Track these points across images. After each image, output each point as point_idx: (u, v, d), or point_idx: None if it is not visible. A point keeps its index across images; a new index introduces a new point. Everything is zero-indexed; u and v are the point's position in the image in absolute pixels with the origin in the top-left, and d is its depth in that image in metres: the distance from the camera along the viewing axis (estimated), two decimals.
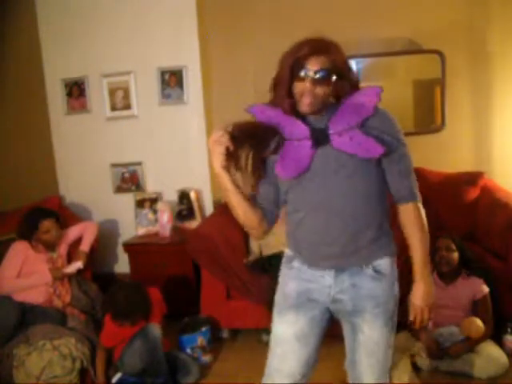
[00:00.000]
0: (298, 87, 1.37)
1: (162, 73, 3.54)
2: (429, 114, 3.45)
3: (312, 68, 1.35)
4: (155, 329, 2.35)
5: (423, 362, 2.41)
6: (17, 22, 3.56)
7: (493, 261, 2.65)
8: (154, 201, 3.59)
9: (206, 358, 2.67)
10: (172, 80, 3.53)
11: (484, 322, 2.41)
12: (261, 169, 1.44)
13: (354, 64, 3.38)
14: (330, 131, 1.39)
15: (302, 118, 1.42)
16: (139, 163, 3.67)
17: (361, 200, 1.41)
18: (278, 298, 1.55)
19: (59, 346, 2.32)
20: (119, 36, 3.54)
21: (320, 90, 1.36)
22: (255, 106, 1.47)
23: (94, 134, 3.70)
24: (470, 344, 2.36)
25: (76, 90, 3.68)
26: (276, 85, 1.45)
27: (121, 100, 3.62)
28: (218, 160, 1.36)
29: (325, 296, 1.48)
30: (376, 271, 1.45)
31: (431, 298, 1.50)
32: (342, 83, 1.39)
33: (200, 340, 2.67)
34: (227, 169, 1.38)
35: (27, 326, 2.47)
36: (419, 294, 1.48)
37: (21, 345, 2.34)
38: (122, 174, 3.71)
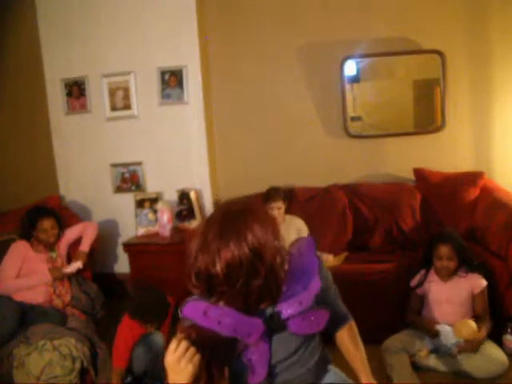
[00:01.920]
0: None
1: (162, 73, 3.54)
2: (429, 114, 3.44)
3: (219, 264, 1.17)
4: (158, 337, 2.34)
5: (423, 362, 2.42)
6: (17, 22, 3.56)
7: (492, 260, 2.65)
8: (154, 201, 3.58)
9: None
10: (172, 80, 3.53)
11: (482, 315, 2.43)
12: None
13: (354, 64, 3.39)
14: (283, 316, 1.24)
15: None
16: (139, 163, 3.67)
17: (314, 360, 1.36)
18: None
19: (59, 345, 2.32)
20: (119, 36, 3.54)
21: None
22: (191, 302, 1.23)
23: (94, 133, 3.70)
24: (474, 344, 2.35)
25: (76, 90, 3.68)
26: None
27: (121, 100, 3.62)
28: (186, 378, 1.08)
29: None
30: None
31: None
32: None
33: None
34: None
35: (27, 326, 2.46)
36: None
37: (21, 345, 2.34)
38: (122, 174, 3.70)
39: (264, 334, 1.23)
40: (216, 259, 1.14)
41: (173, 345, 1.09)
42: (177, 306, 2.40)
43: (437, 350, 2.42)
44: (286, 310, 1.25)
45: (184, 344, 1.08)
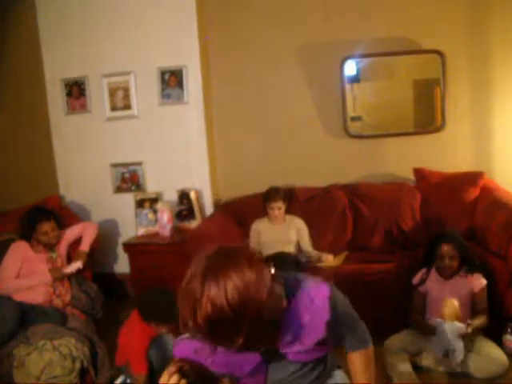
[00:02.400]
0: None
1: (162, 73, 3.54)
2: (429, 114, 3.44)
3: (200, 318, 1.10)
4: (169, 340, 2.34)
5: (423, 362, 2.42)
6: (17, 22, 3.56)
7: (492, 260, 2.65)
8: (154, 201, 3.59)
9: None
10: (172, 80, 3.53)
11: (480, 312, 2.43)
12: None
13: (354, 64, 3.39)
14: (283, 351, 1.23)
15: None
16: (139, 163, 3.67)
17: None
18: None
19: (59, 345, 2.32)
20: (119, 36, 3.54)
21: None
22: (181, 342, 1.22)
23: (94, 133, 3.70)
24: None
25: (76, 90, 3.68)
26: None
27: (121, 100, 3.62)
28: None
29: None
30: None
31: None
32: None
33: None
34: None
35: (27, 326, 2.46)
36: None
37: (21, 345, 2.33)
38: (122, 174, 3.70)
39: (260, 363, 1.22)
40: (197, 311, 1.04)
41: (165, 377, 1.07)
42: None
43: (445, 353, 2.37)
44: (286, 348, 1.23)
45: (175, 377, 1.07)
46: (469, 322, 2.33)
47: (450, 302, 2.37)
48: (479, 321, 2.39)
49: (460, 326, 2.30)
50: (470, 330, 2.30)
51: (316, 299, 1.23)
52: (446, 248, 2.46)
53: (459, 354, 2.29)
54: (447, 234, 2.53)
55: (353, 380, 1.43)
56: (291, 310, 1.20)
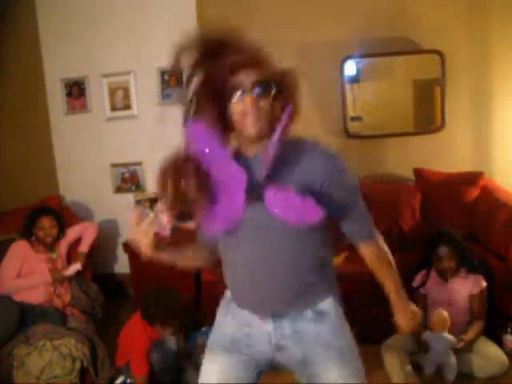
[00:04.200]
0: (237, 108, 1.17)
1: (162, 73, 3.54)
2: (429, 114, 3.45)
3: (247, 81, 1.17)
4: (172, 344, 2.35)
5: (424, 362, 2.42)
6: (17, 22, 3.56)
7: (493, 260, 2.65)
8: (154, 201, 3.58)
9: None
10: (172, 80, 3.53)
11: (477, 316, 2.42)
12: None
13: (354, 64, 3.39)
14: (266, 184, 1.18)
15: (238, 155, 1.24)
16: (139, 163, 3.67)
17: (292, 249, 1.27)
18: (214, 336, 1.45)
19: (59, 346, 2.32)
20: (119, 36, 3.54)
21: (264, 104, 1.18)
22: (196, 125, 1.20)
23: (94, 133, 3.70)
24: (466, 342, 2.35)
25: (76, 90, 3.68)
26: (203, 103, 1.19)
27: (121, 100, 3.63)
28: (148, 247, 1.38)
29: (265, 343, 1.35)
30: (317, 313, 1.34)
31: (417, 317, 1.44)
32: (280, 100, 1.21)
33: (200, 340, 2.66)
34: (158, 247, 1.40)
35: (27, 326, 2.46)
36: (403, 315, 1.43)
37: (21, 345, 2.34)
38: (122, 174, 3.70)
39: (243, 197, 1.18)
40: None
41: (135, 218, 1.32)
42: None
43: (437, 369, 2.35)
44: (273, 181, 1.18)
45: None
46: (463, 337, 2.31)
47: (437, 312, 2.35)
48: (473, 333, 2.37)
49: (450, 338, 2.28)
50: (461, 344, 2.30)
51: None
52: (443, 249, 2.45)
53: (451, 370, 2.27)
54: (444, 235, 2.51)
55: (375, 273, 1.39)
56: (292, 149, 1.24)
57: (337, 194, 1.23)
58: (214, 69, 1.16)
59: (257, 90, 1.17)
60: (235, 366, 1.37)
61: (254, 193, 1.19)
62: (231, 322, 1.41)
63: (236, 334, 1.39)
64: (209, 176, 1.21)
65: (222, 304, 1.47)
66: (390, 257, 1.41)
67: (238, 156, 1.25)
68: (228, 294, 1.46)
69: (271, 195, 1.17)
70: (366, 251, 1.39)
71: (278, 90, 1.21)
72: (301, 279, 1.30)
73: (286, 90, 1.24)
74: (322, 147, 1.27)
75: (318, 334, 1.33)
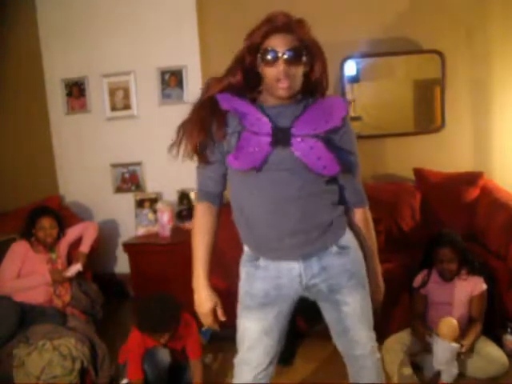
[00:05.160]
0: (270, 72, 1.34)
1: (162, 73, 3.54)
2: (429, 114, 3.45)
3: (281, 49, 1.32)
4: (163, 354, 2.29)
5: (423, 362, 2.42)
6: (17, 22, 3.56)
7: (493, 261, 2.65)
8: (153, 201, 3.59)
9: (206, 358, 2.67)
10: (172, 80, 3.53)
11: (475, 317, 2.41)
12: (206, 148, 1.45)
13: (354, 64, 3.39)
14: (293, 133, 1.34)
15: (267, 109, 1.39)
16: (139, 163, 3.67)
17: (313, 191, 1.41)
18: (244, 298, 1.54)
19: (59, 346, 2.32)
20: (119, 36, 3.54)
21: (295, 71, 1.33)
22: (223, 94, 1.40)
23: (94, 134, 3.70)
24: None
25: (76, 90, 3.68)
26: (235, 69, 1.42)
27: (121, 100, 3.63)
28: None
29: (296, 286, 1.48)
30: (340, 247, 1.48)
31: (380, 293, 1.68)
32: (312, 66, 1.39)
33: (200, 340, 2.66)
34: None
35: (27, 326, 2.46)
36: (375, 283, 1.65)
37: (21, 345, 2.34)
38: (122, 174, 3.71)
39: (268, 136, 1.34)
40: None
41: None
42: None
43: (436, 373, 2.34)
44: (298, 128, 1.35)
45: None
46: (462, 342, 2.29)
47: (448, 320, 2.30)
48: (472, 336, 2.34)
49: (455, 346, 2.25)
50: (464, 350, 2.28)
51: (337, 101, 1.44)
52: (443, 251, 2.44)
53: (449, 378, 2.25)
54: (445, 237, 2.50)
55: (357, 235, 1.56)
56: (315, 101, 1.41)
57: (348, 155, 1.44)
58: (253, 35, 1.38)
59: (289, 57, 1.31)
60: (272, 316, 1.51)
61: (280, 138, 1.34)
62: (261, 280, 1.49)
63: (267, 288, 1.49)
64: (226, 114, 1.39)
65: (247, 262, 1.54)
66: (372, 224, 1.61)
67: (260, 105, 1.40)
68: (247, 254, 1.54)
69: (298, 142, 1.34)
70: (357, 214, 1.57)
71: (309, 59, 1.37)
72: (322, 216, 1.43)
73: (316, 60, 1.39)
74: (347, 108, 1.43)
75: (343, 266, 1.48)
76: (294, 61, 1.32)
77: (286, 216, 1.40)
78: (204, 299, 1.52)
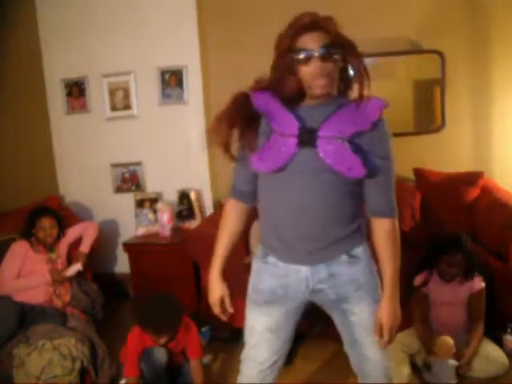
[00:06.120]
0: (306, 71, 1.31)
1: (162, 73, 3.54)
2: (429, 114, 3.45)
3: (314, 46, 1.30)
4: (160, 354, 2.28)
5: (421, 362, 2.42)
6: (17, 22, 3.56)
7: (493, 261, 2.65)
8: (154, 201, 3.58)
9: (206, 358, 2.67)
10: (172, 80, 3.53)
11: (476, 317, 2.41)
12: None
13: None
14: (319, 134, 1.32)
15: (300, 109, 1.37)
16: (139, 163, 3.67)
17: (335, 199, 1.38)
18: (252, 292, 1.56)
19: (59, 345, 2.32)
20: (119, 36, 3.54)
21: (331, 67, 1.32)
22: (258, 92, 1.40)
23: (94, 133, 3.69)
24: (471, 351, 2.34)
25: (76, 90, 3.68)
26: (276, 70, 1.39)
27: (121, 100, 3.62)
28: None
29: (303, 289, 1.48)
30: (351, 256, 1.45)
31: (399, 318, 1.44)
32: (345, 63, 1.36)
33: (200, 341, 2.66)
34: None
35: (27, 326, 2.46)
36: (388, 313, 1.42)
37: (21, 345, 2.34)
38: (122, 174, 3.70)
39: (294, 137, 1.33)
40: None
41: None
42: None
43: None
44: (325, 130, 1.33)
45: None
46: (461, 362, 2.29)
47: (443, 339, 2.32)
48: (476, 341, 2.34)
49: (454, 363, 2.27)
50: (464, 362, 2.29)
51: (371, 104, 1.38)
52: (456, 257, 2.40)
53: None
54: (460, 243, 2.45)
55: (377, 252, 1.44)
56: (347, 103, 1.37)
57: (377, 159, 1.36)
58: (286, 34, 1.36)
59: (323, 52, 1.30)
60: (279, 315, 1.51)
61: (306, 139, 1.32)
62: (269, 275, 1.51)
63: (274, 285, 1.50)
64: (258, 118, 1.38)
65: (258, 258, 1.57)
66: (399, 241, 1.44)
67: (291, 106, 1.37)
68: (262, 247, 1.55)
69: (324, 144, 1.32)
70: (381, 225, 1.43)
71: (343, 55, 1.35)
72: (339, 226, 1.41)
73: (350, 56, 1.37)
74: (380, 114, 1.39)
75: (351, 275, 1.45)
76: (328, 57, 1.30)
77: (305, 222, 1.39)
78: (213, 289, 1.56)
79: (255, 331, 1.55)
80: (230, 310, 1.56)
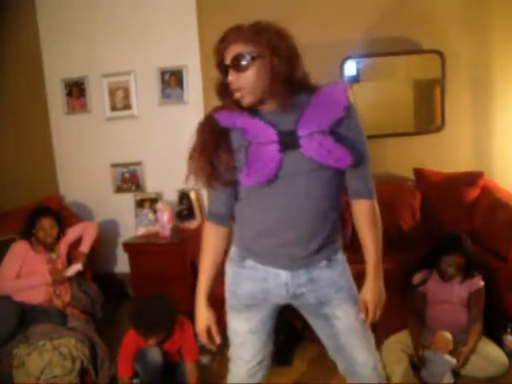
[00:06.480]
0: (229, 84, 1.32)
1: (162, 73, 3.54)
2: (429, 113, 3.44)
3: (227, 61, 1.31)
4: (155, 354, 2.28)
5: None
6: (17, 22, 3.56)
7: (493, 260, 2.65)
8: (154, 201, 3.59)
9: (205, 359, 2.67)
10: (172, 80, 3.53)
11: (474, 315, 2.41)
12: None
13: (354, 64, 3.39)
14: (299, 134, 1.30)
15: (266, 115, 1.34)
16: (139, 163, 3.67)
17: (321, 202, 1.37)
18: (230, 298, 1.55)
19: (59, 345, 2.32)
20: (119, 36, 3.54)
21: (244, 78, 1.28)
22: (221, 111, 1.40)
23: (94, 133, 3.70)
24: (469, 350, 2.35)
25: (76, 90, 3.68)
26: (218, 88, 1.43)
27: (121, 100, 3.63)
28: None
29: (283, 294, 1.47)
30: (330, 260, 1.47)
31: (383, 296, 1.50)
32: (278, 63, 1.29)
33: (196, 342, 2.66)
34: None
35: (27, 326, 2.47)
36: (372, 290, 1.47)
37: (21, 345, 2.34)
38: (122, 174, 3.71)
39: (275, 144, 1.30)
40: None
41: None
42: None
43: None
44: (303, 128, 1.30)
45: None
46: (462, 349, 2.30)
47: (440, 333, 2.33)
48: (473, 339, 2.35)
49: (450, 360, 2.28)
50: (461, 361, 2.29)
51: (335, 90, 1.34)
52: (457, 259, 2.41)
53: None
54: (461, 244, 2.46)
55: (359, 234, 1.51)
56: (312, 97, 1.33)
57: (354, 138, 1.35)
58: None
59: (233, 65, 1.29)
60: (258, 319, 1.52)
61: (288, 142, 1.30)
62: (247, 280, 1.49)
63: (253, 290, 1.49)
64: (230, 139, 1.36)
65: (233, 262, 1.53)
66: (380, 220, 1.52)
67: (257, 114, 1.35)
68: (238, 251, 1.51)
69: (306, 142, 1.29)
70: (361, 207, 1.48)
71: (254, 56, 1.27)
72: (322, 232, 1.40)
73: (276, 56, 1.30)
74: (340, 89, 1.35)
75: (331, 278, 1.46)
76: (238, 67, 1.28)
77: (292, 227, 1.38)
78: (199, 317, 1.53)
79: (239, 332, 1.57)
80: (218, 339, 1.52)
